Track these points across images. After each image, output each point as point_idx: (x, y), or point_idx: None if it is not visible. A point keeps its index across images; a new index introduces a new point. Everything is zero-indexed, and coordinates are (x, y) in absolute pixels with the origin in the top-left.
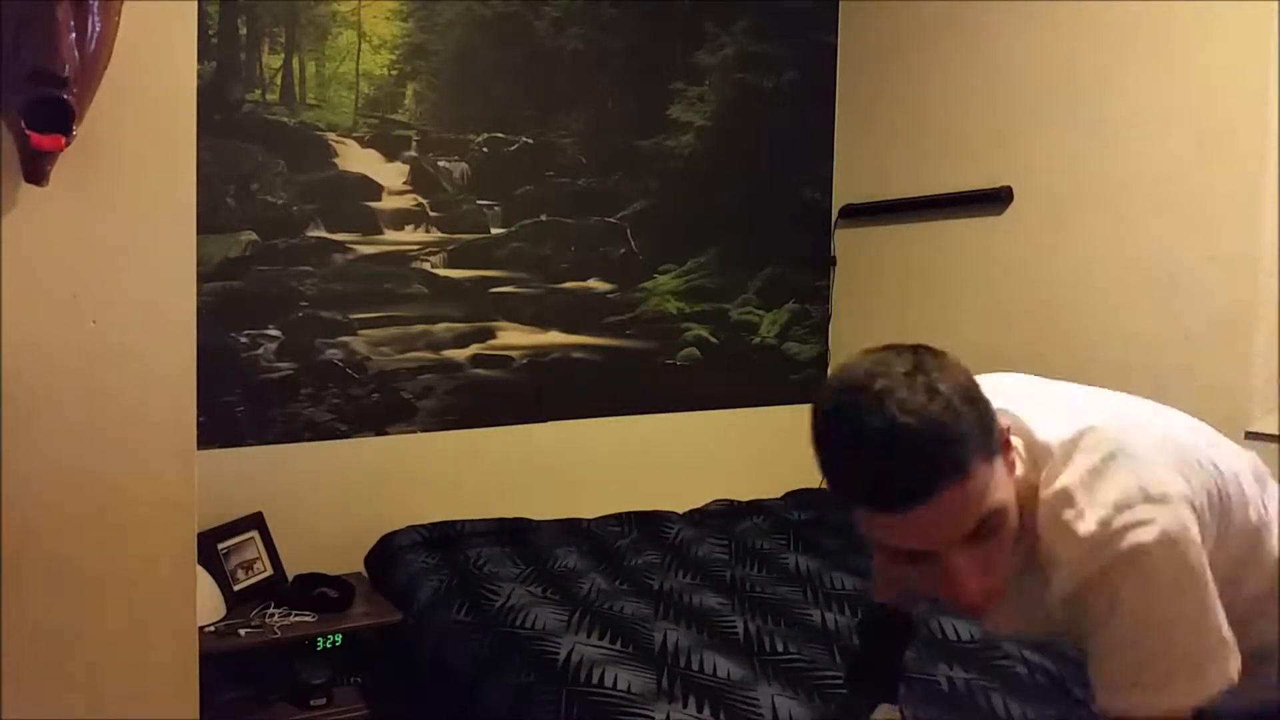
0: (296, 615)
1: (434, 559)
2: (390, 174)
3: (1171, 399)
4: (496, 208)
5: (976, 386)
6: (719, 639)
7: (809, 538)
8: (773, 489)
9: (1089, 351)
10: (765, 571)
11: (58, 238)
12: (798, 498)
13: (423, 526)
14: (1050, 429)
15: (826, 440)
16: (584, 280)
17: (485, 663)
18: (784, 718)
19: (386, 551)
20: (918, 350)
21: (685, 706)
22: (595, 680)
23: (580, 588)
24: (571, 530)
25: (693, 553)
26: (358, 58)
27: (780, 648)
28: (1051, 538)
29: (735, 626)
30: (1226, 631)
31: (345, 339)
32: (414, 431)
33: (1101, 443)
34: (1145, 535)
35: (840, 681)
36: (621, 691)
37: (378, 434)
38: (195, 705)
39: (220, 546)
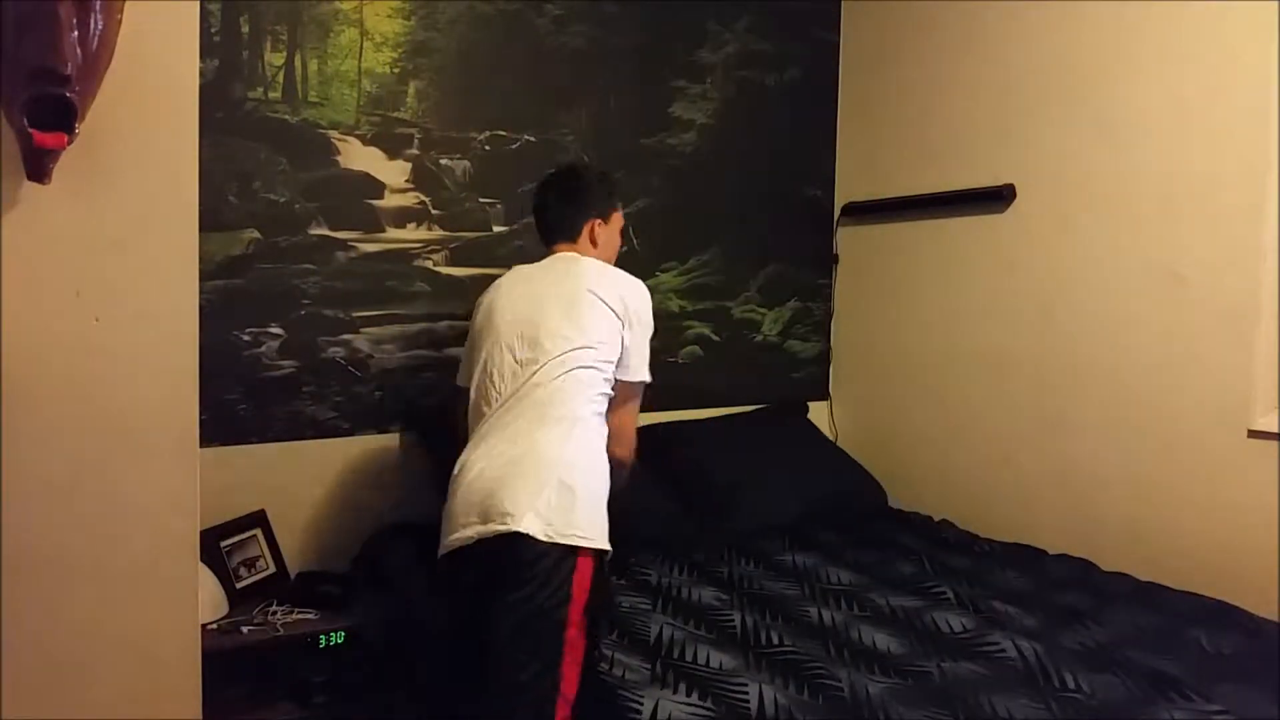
0: (299, 613)
1: (425, 556)
2: (392, 172)
3: (1174, 397)
4: (499, 205)
5: None
6: (715, 632)
7: (805, 535)
8: None
9: (1091, 349)
10: (762, 568)
11: (60, 235)
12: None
13: (411, 523)
14: None
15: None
16: None
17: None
18: (770, 704)
19: (373, 551)
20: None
21: (675, 693)
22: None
23: None
24: None
25: (690, 550)
26: (360, 56)
27: (775, 640)
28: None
29: (732, 620)
30: None
31: (347, 337)
32: (416, 429)
33: None
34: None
35: (830, 673)
36: (616, 677)
37: (380, 432)
38: (198, 703)
39: (223, 544)
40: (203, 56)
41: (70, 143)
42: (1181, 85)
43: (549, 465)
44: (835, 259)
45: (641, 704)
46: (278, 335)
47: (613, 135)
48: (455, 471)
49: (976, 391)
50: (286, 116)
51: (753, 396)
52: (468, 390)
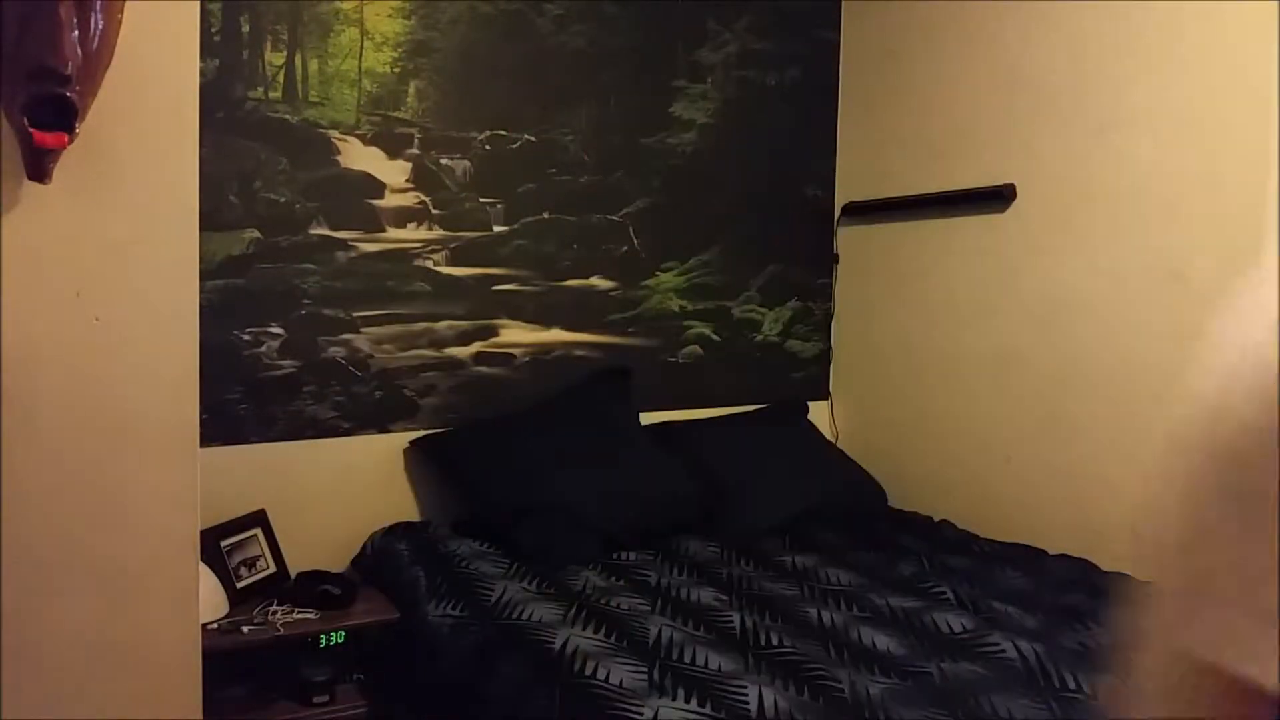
0: (299, 613)
1: (424, 557)
2: (393, 171)
3: (1175, 397)
4: (499, 205)
5: None
6: (715, 634)
7: (805, 535)
8: None
9: (1092, 349)
10: (762, 568)
11: (60, 235)
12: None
13: (411, 523)
14: None
15: None
16: (586, 278)
17: (483, 657)
18: (769, 706)
19: (374, 551)
20: None
21: (675, 699)
22: (589, 673)
23: (576, 584)
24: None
25: (689, 549)
26: (360, 55)
27: (775, 641)
28: None
29: (732, 622)
30: None
31: (348, 337)
32: (417, 429)
33: None
34: None
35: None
36: (615, 686)
37: (380, 432)
38: (199, 703)
39: (223, 544)
40: (203, 56)
41: (70, 143)
42: (1181, 85)
43: None
44: (835, 259)
45: (641, 713)
46: (278, 335)
47: (613, 135)
48: None
49: (977, 391)
50: (287, 116)
51: (753, 396)
52: None
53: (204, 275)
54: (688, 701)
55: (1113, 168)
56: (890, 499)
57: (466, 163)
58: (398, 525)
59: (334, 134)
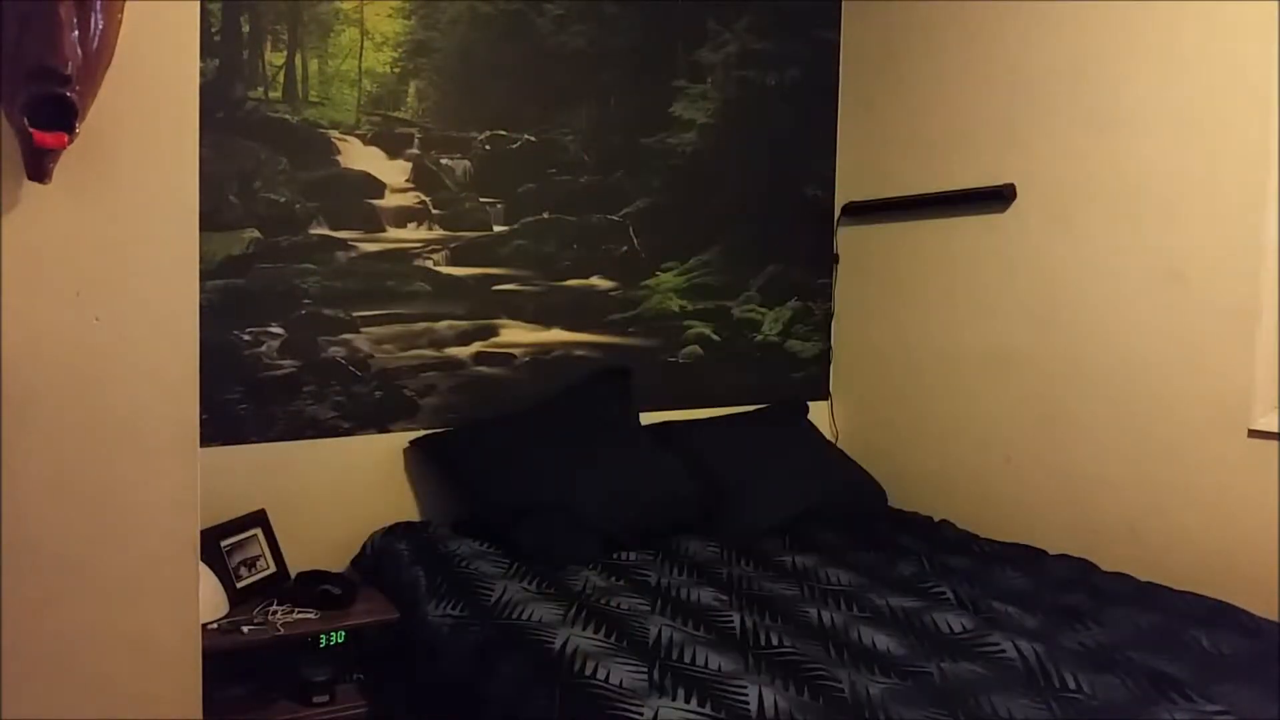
0: (299, 612)
1: (424, 557)
2: (393, 171)
3: (1174, 397)
4: (499, 205)
5: None
6: (715, 634)
7: (805, 535)
8: None
9: (1091, 349)
10: (762, 568)
11: (60, 235)
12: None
13: (411, 523)
14: None
15: None
16: (586, 278)
17: (483, 657)
18: (769, 706)
19: (374, 551)
20: None
21: (675, 699)
22: (589, 673)
23: (576, 584)
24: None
25: (689, 549)
26: (360, 55)
27: (775, 641)
28: None
29: (732, 622)
30: None
31: (348, 336)
32: (417, 429)
33: None
34: None
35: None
36: (615, 686)
37: (380, 432)
38: (199, 702)
39: (223, 544)
40: (203, 56)
41: (70, 142)
42: (1181, 85)
43: None
44: (835, 259)
45: (641, 713)
46: (278, 335)
47: (613, 135)
48: None
49: (977, 391)
50: (287, 116)
51: (753, 396)
52: None
53: (204, 275)
54: (688, 701)
55: (1112, 168)
56: (890, 499)
57: (466, 163)
58: (398, 525)
59: (334, 134)
